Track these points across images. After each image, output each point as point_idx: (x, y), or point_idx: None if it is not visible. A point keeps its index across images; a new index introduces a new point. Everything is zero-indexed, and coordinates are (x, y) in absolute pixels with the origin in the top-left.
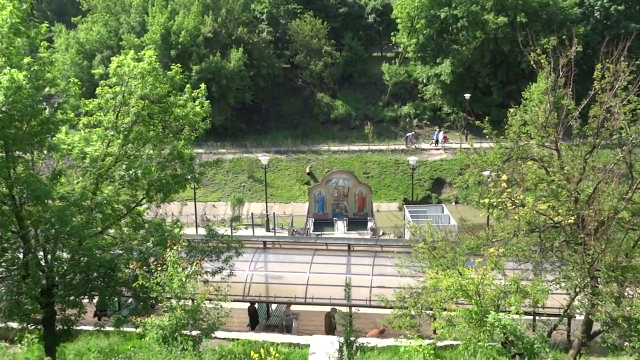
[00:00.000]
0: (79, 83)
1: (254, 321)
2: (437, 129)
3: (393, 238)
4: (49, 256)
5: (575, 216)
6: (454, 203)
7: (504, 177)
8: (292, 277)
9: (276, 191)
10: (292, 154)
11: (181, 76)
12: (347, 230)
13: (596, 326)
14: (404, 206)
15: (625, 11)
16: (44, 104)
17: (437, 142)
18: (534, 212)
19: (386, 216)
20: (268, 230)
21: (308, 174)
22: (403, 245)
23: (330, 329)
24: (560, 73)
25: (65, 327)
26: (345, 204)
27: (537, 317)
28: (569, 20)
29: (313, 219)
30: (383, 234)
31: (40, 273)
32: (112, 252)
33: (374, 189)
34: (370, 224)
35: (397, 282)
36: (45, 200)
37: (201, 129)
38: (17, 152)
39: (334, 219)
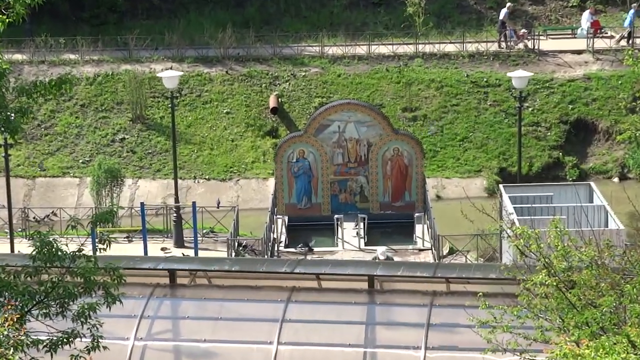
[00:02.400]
0: None
1: None
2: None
3: (474, 262)
4: None
5: None
6: (616, 179)
7: None
8: (237, 353)
9: (200, 152)
10: (235, 65)
11: None
12: (365, 245)
13: None
14: (501, 187)
15: None
16: None
17: (628, 33)
18: None
19: (459, 209)
20: (181, 243)
21: (272, 111)
22: (497, 278)
23: None
24: None
25: None
26: (361, 182)
27: None
28: None
29: (287, 218)
30: (451, 251)
31: None
32: None
33: (429, 147)
34: (419, 229)
35: None
36: None
37: (21, 8)
38: None
39: (336, 217)
